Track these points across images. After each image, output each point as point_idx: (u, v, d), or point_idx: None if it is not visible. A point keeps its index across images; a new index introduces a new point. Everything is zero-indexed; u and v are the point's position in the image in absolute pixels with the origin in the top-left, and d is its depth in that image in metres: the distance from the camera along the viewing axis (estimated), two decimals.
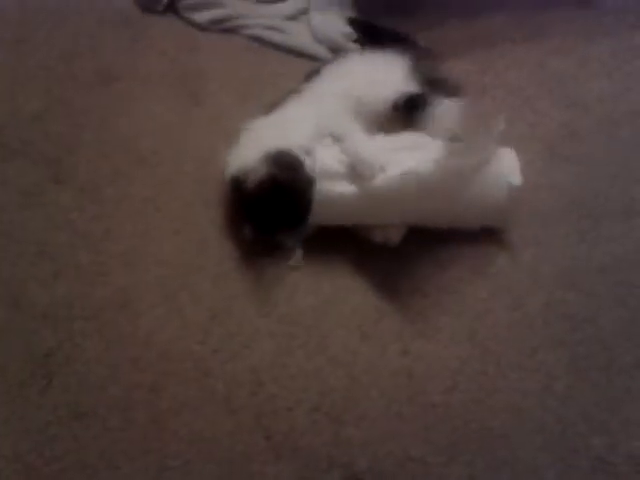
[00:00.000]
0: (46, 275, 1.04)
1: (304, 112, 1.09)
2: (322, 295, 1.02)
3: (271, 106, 1.15)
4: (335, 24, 1.45)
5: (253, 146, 1.06)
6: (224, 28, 1.48)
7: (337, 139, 1.03)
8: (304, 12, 1.50)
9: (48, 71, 1.40)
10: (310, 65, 1.41)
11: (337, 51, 1.40)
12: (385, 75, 1.14)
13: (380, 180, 0.99)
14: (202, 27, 1.48)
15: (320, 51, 1.41)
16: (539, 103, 1.34)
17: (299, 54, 1.43)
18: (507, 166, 1.04)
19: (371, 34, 1.33)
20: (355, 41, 1.43)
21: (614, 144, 1.24)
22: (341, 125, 1.05)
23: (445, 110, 1.08)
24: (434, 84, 1.13)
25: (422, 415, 0.89)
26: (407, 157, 1.00)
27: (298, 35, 1.45)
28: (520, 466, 0.86)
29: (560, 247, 1.09)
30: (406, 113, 1.08)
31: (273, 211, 1.02)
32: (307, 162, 1.02)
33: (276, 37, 1.45)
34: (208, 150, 1.23)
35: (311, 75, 1.20)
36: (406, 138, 1.05)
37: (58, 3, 1.57)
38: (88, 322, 0.98)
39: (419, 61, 1.17)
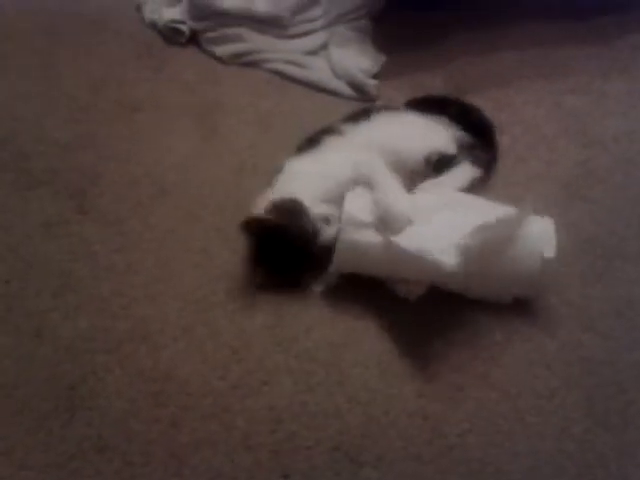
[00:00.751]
0: (69, 307, 1.05)
1: (345, 159, 1.10)
2: (340, 332, 1.03)
3: (308, 143, 1.17)
4: (354, 60, 1.47)
5: (279, 190, 1.09)
6: (245, 62, 1.51)
7: (371, 187, 1.04)
8: (324, 47, 1.53)
9: (73, 101, 1.44)
10: (329, 100, 1.45)
11: (356, 86, 1.43)
12: (426, 132, 1.17)
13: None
14: (223, 60, 1.51)
15: (339, 86, 1.44)
16: (556, 141, 1.35)
17: (319, 89, 1.46)
18: (542, 236, 1.02)
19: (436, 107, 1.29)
20: (374, 76, 1.46)
21: (630, 183, 1.26)
22: (377, 174, 1.05)
23: (461, 171, 1.11)
24: (468, 151, 1.15)
25: (439, 457, 0.90)
26: (442, 222, 1.01)
27: (318, 70, 1.48)
28: None
29: (576, 287, 1.09)
30: (434, 171, 1.10)
31: (274, 253, 1.05)
32: (312, 212, 1.05)
33: (296, 71, 1.48)
34: (228, 183, 1.26)
35: (357, 118, 1.20)
36: (437, 197, 1.06)
37: (84, 33, 1.61)
38: (110, 355, 0.99)
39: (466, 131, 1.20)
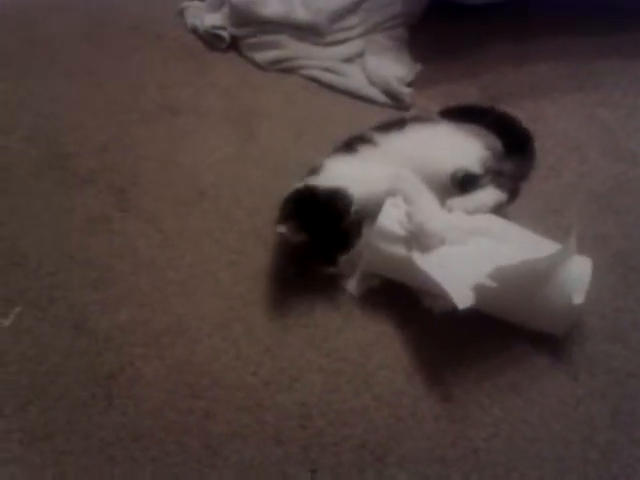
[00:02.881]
0: (109, 300, 1.10)
1: (382, 171, 1.12)
2: (370, 334, 1.05)
3: (344, 148, 1.19)
4: (390, 68, 1.50)
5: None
6: (283, 68, 1.54)
7: (407, 202, 1.05)
8: (360, 55, 1.56)
9: (115, 103, 1.49)
10: (364, 107, 1.47)
11: (390, 94, 1.45)
12: (456, 147, 1.18)
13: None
14: (262, 66, 1.55)
15: (374, 94, 1.47)
16: (588, 153, 1.36)
17: (354, 96, 1.48)
18: (576, 279, 0.99)
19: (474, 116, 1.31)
20: (408, 85, 1.49)
21: None
22: (414, 189, 1.07)
23: (486, 194, 1.12)
24: (497, 174, 1.16)
25: (464, 460, 0.92)
26: (474, 249, 1.02)
27: (353, 77, 1.51)
28: None
29: (607, 299, 1.10)
30: (458, 188, 1.12)
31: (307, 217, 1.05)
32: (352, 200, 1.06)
33: (332, 78, 1.51)
34: (263, 185, 1.29)
35: (390, 128, 1.21)
36: (474, 220, 1.07)
37: (125, 38, 1.67)
38: (148, 347, 1.03)
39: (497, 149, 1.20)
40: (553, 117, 1.44)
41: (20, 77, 1.53)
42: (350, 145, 1.19)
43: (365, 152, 1.17)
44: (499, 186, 1.14)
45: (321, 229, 1.05)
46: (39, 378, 1.01)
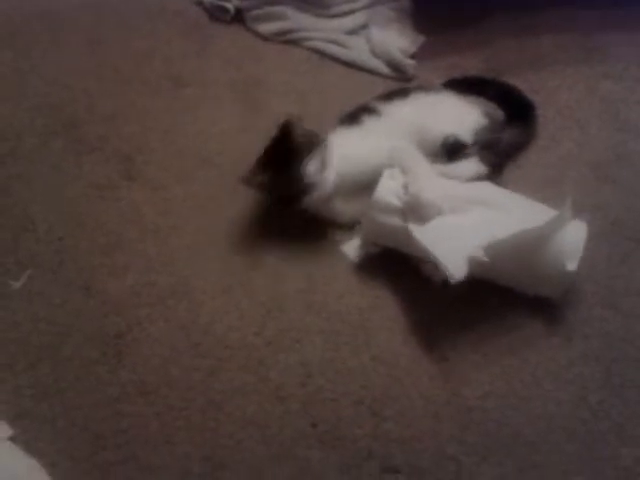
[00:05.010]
0: (117, 264, 1.13)
1: (380, 144, 1.13)
2: (369, 299, 1.08)
3: (349, 119, 1.21)
4: (393, 40, 1.51)
5: None
6: (287, 39, 1.56)
7: (403, 172, 1.07)
8: (364, 27, 1.57)
9: (121, 74, 1.50)
10: (367, 78, 1.48)
11: (394, 66, 1.46)
12: (453, 113, 1.20)
13: None
14: (266, 38, 1.56)
15: (378, 65, 1.48)
16: (588, 125, 1.37)
17: (357, 67, 1.49)
18: (570, 245, 1.02)
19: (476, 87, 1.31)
20: (412, 57, 1.50)
21: None
22: (411, 160, 1.09)
23: (464, 167, 1.14)
24: (487, 146, 1.18)
25: (458, 417, 0.95)
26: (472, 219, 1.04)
27: (357, 49, 1.52)
28: (549, 471, 0.91)
29: (601, 267, 1.12)
30: (445, 155, 1.14)
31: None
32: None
33: (336, 50, 1.52)
34: None
35: (393, 97, 1.23)
36: (471, 188, 1.09)
37: (131, 9, 1.67)
38: (154, 309, 1.07)
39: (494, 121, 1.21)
40: (555, 89, 1.45)
41: (27, 47, 1.55)
42: (355, 116, 1.21)
43: (369, 123, 1.19)
44: (483, 159, 1.16)
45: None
46: (50, 337, 1.05)
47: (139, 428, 0.95)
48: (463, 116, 1.20)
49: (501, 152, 1.21)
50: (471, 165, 1.15)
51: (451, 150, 1.14)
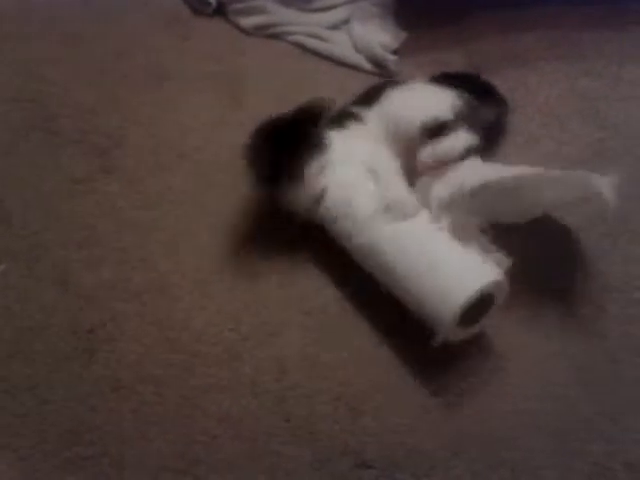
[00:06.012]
0: (92, 258, 1.12)
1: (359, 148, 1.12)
2: (349, 294, 1.08)
3: (335, 121, 1.17)
4: (375, 35, 1.50)
5: None
6: (269, 34, 1.55)
7: (375, 177, 1.06)
8: (346, 22, 1.56)
9: (100, 66, 1.49)
10: (349, 73, 1.47)
11: (376, 62, 1.46)
12: (425, 99, 1.18)
13: None
14: (248, 32, 1.55)
15: (360, 61, 1.47)
16: (568, 122, 1.37)
17: (339, 62, 1.49)
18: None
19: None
20: (394, 52, 1.50)
21: (639, 166, 1.28)
22: (380, 163, 1.08)
23: (454, 140, 1.11)
24: (465, 117, 1.15)
25: (432, 412, 0.95)
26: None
27: (339, 44, 1.51)
28: (520, 466, 0.91)
29: (577, 263, 1.13)
30: (429, 136, 1.11)
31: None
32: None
33: (317, 45, 1.51)
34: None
35: (370, 100, 1.19)
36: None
37: (112, 2, 1.66)
38: (129, 304, 1.06)
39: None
40: (536, 86, 1.45)
41: (2, 40, 1.53)
42: (339, 123, 1.18)
43: (356, 132, 1.17)
44: (471, 128, 1.13)
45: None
46: (23, 332, 1.04)
47: (112, 424, 0.95)
48: (438, 98, 1.17)
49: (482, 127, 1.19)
50: (460, 137, 1.12)
51: (433, 131, 1.11)
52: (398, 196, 1.03)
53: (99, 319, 1.04)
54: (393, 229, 1.01)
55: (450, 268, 0.96)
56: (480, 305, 0.94)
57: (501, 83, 1.41)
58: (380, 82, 1.36)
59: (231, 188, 1.22)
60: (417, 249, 0.99)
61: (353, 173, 1.09)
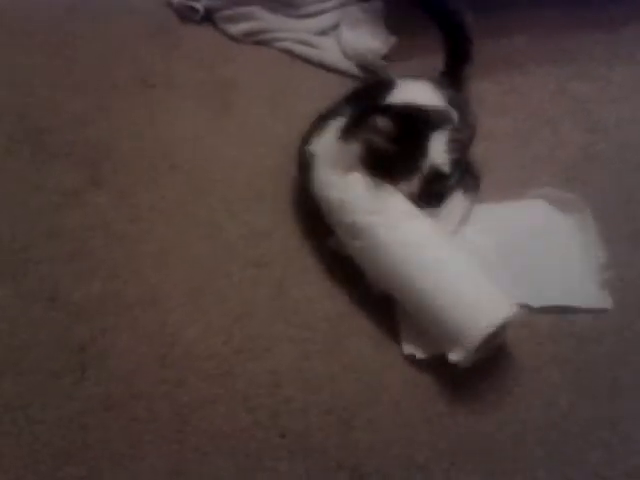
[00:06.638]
0: (82, 273, 1.10)
1: None
2: (338, 305, 1.07)
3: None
4: (364, 41, 1.49)
5: None
6: (257, 40, 1.54)
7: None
8: (334, 28, 1.55)
9: (88, 76, 1.47)
10: (338, 80, 1.46)
11: (365, 67, 1.45)
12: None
13: None
14: (236, 38, 1.54)
15: (349, 67, 1.47)
16: (559, 125, 1.38)
17: (328, 68, 1.48)
18: None
19: None
20: (383, 58, 1.49)
21: (628, 169, 1.28)
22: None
23: (455, 205, 1.13)
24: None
25: (428, 423, 0.95)
26: None
27: (328, 50, 1.50)
28: (519, 476, 0.91)
29: None
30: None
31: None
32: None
33: (306, 51, 1.50)
34: (236, 158, 1.30)
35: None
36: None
37: (99, 10, 1.64)
38: (120, 318, 1.05)
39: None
40: (526, 89, 1.45)
41: None
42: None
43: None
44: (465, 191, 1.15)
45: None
46: (12, 351, 1.02)
47: (104, 442, 0.93)
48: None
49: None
50: (459, 202, 1.14)
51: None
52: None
53: (89, 334, 1.03)
54: (416, 238, 1.01)
55: (470, 298, 0.96)
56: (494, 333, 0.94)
57: (492, 87, 1.43)
58: (375, 81, 1.34)
59: (222, 199, 1.22)
60: (439, 266, 0.99)
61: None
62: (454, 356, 0.93)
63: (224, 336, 1.03)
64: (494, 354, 1.00)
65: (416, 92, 1.17)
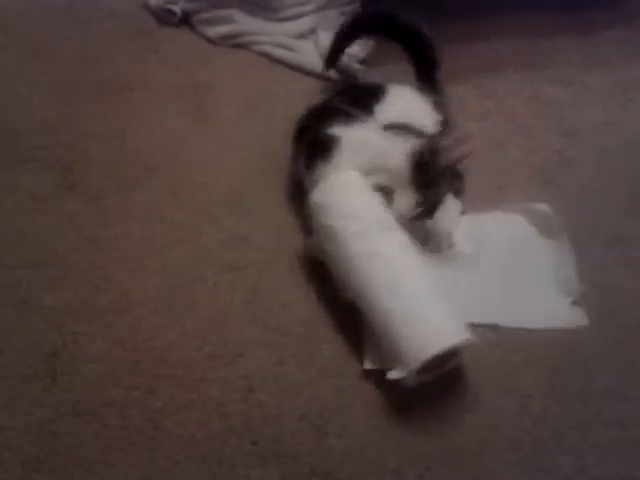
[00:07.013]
0: (54, 278, 1.09)
1: None
2: (313, 310, 1.07)
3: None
4: None
5: None
6: (235, 43, 1.53)
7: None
8: (313, 31, 1.55)
9: (63, 79, 1.46)
10: (316, 83, 1.47)
11: (342, 71, 1.46)
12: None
13: None
14: (214, 41, 1.54)
15: (327, 70, 1.46)
16: (534, 130, 1.39)
17: (306, 72, 1.48)
18: None
19: None
20: (361, 62, 1.49)
21: (603, 174, 1.29)
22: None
23: (451, 209, 1.13)
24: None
25: (401, 428, 0.94)
26: None
27: (306, 53, 1.50)
28: None
29: None
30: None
31: None
32: None
33: (284, 54, 1.50)
34: (213, 162, 1.29)
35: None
36: None
37: (76, 13, 1.63)
38: (91, 325, 1.03)
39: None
40: (503, 94, 1.47)
41: None
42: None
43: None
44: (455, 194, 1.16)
45: None
46: None
47: (74, 449, 0.92)
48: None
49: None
50: (453, 206, 1.14)
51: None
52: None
53: (61, 341, 1.01)
54: (382, 250, 1.00)
55: (422, 319, 0.94)
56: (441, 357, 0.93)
57: (470, 92, 1.44)
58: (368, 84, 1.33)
59: (198, 203, 1.21)
60: (398, 283, 0.97)
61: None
62: (394, 374, 0.92)
63: (198, 342, 1.02)
64: (457, 365, 0.99)
65: (407, 101, 1.18)
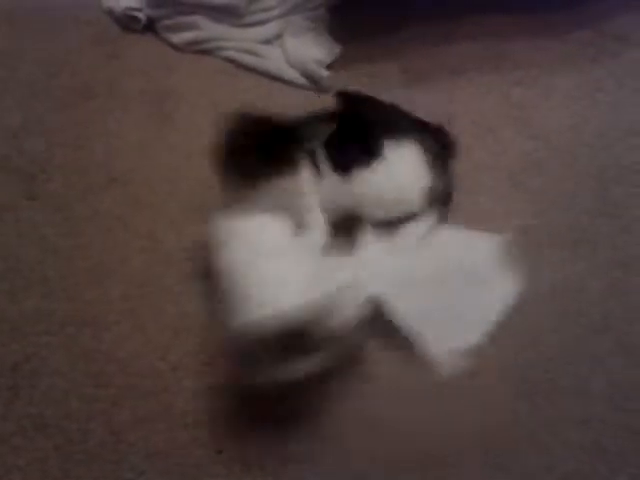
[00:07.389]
0: (15, 289, 1.08)
1: None
2: None
3: None
4: (308, 50, 1.49)
5: None
6: (201, 49, 1.52)
7: None
8: (278, 36, 1.54)
9: (26, 86, 1.44)
10: (282, 89, 1.45)
11: (309, 77, 1.45)
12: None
13: None
14: (179, 48, 1.52)
15: (293, 76, 1.46)
16: (502, 133, 1.39)
17: (272, 77, 1.47)
18: None
19: None
20: (328, 67, 1.49)
21: (568, 175, 1.30)
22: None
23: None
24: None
25: (369, 433, 0.94)
26: None
27: (272, 59, 1.49)
28: None
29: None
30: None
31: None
32: None
33: (250, 60, 1.49)
34: (177, 170, 1.28)
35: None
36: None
37: (40, 19, 1.61)
38: (54, 336, 1.02)
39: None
40: (469, 97, 1.47)
41: None
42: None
43: None
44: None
45: None
46: None
47: (37, 463, 0.91)
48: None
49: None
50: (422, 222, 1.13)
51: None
52: None
53: (23, 354, 1.00)
54: None
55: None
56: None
57: (436, 95, 1.43)
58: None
59: (162, 211, 1.20)
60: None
61: None
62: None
63: (161, 352, 1.01)
64: None
65: (403, 171, 1.15)
